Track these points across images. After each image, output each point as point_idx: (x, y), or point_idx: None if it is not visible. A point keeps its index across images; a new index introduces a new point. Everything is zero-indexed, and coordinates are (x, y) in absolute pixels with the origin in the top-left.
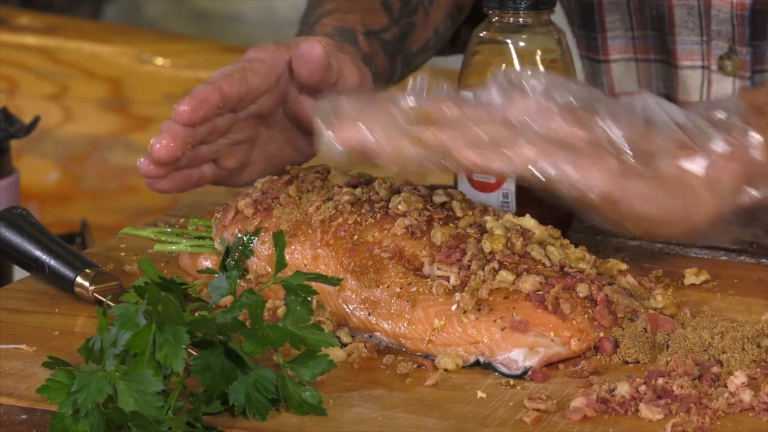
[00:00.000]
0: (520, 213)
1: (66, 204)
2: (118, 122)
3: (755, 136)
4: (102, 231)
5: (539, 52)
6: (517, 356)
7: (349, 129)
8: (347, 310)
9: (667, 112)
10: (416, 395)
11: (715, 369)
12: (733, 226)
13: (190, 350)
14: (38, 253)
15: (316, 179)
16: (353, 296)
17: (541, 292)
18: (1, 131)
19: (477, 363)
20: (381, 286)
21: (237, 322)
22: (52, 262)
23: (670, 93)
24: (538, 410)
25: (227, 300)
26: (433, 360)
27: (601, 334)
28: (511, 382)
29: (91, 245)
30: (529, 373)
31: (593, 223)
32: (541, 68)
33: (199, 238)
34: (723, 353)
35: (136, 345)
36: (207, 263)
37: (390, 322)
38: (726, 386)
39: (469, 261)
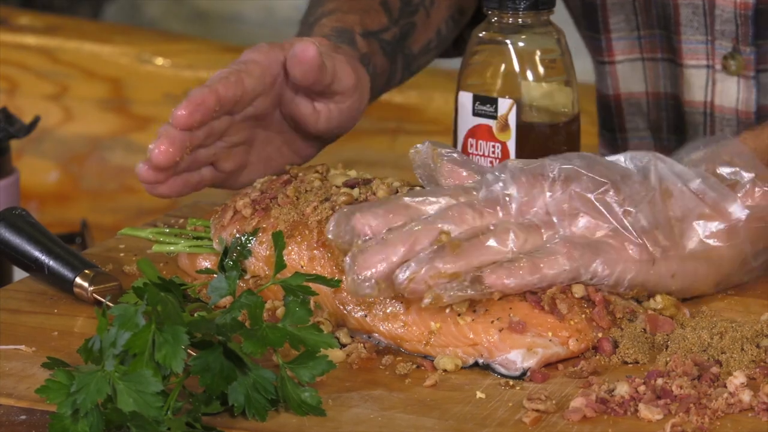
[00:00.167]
0: None
1: (66, 204)
2: (118, 122)
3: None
4: (102, 231)
5: (538, 53)
6: (516, 357)
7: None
8: (345, 311)
9: (680, 176)
10: (415, 396)
11: (715, 369)
12: (754, 264)
13: (189, 351)
14: (37, 253)
15: (316, 179)
16: (350, 297)
17: (536, 293)
18: (1, 131)
19: (476, 364)
20: None
21: (236, 322)
22: (52, 263)
23: (675, 92)
24: (537, 410)
25: (226, 300)
26: (432, 360)
27: (600, 335)
28: (511, 382)
29: (91, 245)
30: (528, 373)
31: None
32: (541, 69)
33: (197, 238)
34: (722, 353)
35: (135, 345)
36: (206, 264)
37: (386, 323)
38: (725, 386)
39: None
